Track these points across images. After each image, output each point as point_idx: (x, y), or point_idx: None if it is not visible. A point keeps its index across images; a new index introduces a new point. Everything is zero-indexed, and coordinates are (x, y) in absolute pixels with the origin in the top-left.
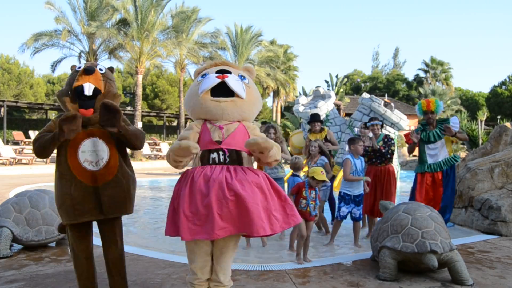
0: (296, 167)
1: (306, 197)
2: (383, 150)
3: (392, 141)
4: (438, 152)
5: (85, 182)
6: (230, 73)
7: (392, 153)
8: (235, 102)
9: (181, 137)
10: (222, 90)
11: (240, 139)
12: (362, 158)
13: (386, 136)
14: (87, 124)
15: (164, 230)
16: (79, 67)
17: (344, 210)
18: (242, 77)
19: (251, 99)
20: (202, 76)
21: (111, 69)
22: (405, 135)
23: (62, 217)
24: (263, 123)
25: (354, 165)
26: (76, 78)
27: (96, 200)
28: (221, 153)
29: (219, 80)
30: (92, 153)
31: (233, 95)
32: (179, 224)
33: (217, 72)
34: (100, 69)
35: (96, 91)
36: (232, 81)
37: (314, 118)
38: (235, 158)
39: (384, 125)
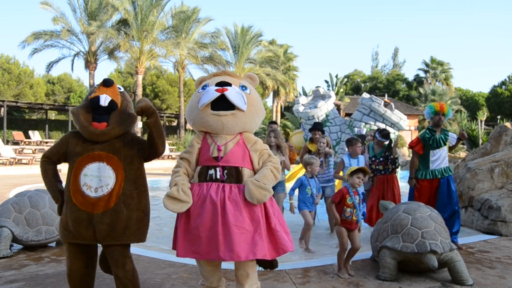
0: (307, 163)
1: (350, 205)
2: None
3: (395, 160)
4: (441, 158)
5: (79, 207)
6: (230, 85)
7: (395, 163)
8: (235, 115)
9: (181, 156)
10: (222, 103)
11: (239, 155)
12: (362, 158)
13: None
14: (94, 147)
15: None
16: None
17: None
18: (243, 87)
19: (251, 110)
20: (203, 88)
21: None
22: (411, 144)
23: (59, 233)
24: (271, 122)
25: (350, 165)
26: (93, 90)
27: (91, 227)
28: (218, 170)
29: (218, 94)
30: (95, 178)
31: (233, 107)
32: (176, 240)
33: (217, 84)
34: (119, 88)
35: (112, 103)
36: (232, 94)
37: (316, 126)
38: (233, 174)
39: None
